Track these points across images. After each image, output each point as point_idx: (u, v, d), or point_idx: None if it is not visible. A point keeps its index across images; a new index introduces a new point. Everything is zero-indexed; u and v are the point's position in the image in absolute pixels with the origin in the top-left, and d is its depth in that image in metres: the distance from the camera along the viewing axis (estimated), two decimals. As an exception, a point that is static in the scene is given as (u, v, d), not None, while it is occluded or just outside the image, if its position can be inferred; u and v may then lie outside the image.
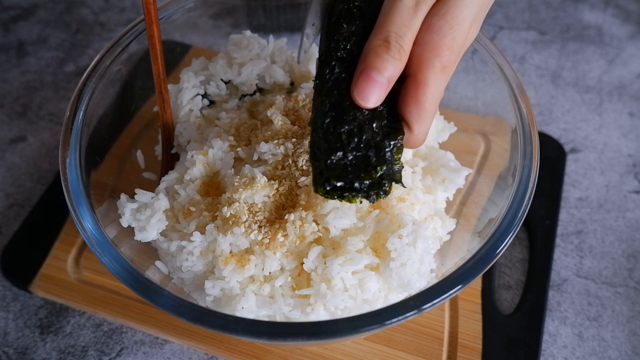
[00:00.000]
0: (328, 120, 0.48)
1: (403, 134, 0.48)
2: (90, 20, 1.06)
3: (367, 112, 0.48)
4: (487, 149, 0.77)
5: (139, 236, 0.57)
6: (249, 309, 0.54)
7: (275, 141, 0.60)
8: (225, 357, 0.67)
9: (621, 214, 0.79)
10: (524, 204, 0.54)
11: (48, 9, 1.08)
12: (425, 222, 0.60)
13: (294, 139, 0.61)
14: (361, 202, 0.47)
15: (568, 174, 0.83)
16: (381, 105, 0.48)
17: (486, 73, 0.65)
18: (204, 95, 0.69)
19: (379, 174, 0.47)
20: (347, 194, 0.47)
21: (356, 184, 0.47)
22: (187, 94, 0.68)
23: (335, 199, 0.47)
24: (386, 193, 0.47)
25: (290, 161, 0.59)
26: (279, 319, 0.55)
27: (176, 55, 0.82)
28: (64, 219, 0.77)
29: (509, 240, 0.53)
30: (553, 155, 0.83)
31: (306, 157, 0.58)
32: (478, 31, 0.50)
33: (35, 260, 0.74)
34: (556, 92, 0.94)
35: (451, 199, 0.65)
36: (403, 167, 0.49)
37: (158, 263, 0.59)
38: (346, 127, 0.47)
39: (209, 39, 0.91)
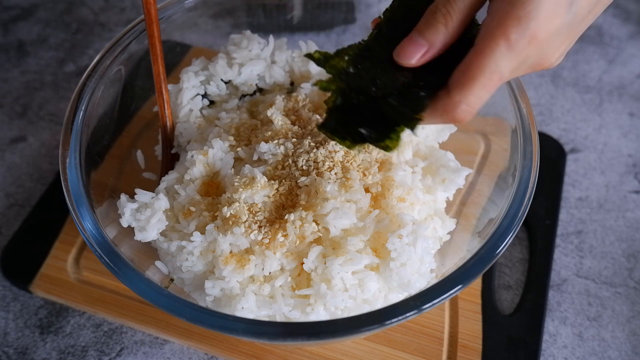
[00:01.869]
0: (365, 55, 0.49)
1: (424, 107, 0.47)
2: (90, 20, 1.06)
3: (404, 73, 0.48)
4: (487, 149, 0.77)
5: (139, 236, 0.57)
6: (249, 309, 0.54)
7: (275, 141, 0.60)
8: (225, 357, 0.67)
9: (621, 214, 0.79)
10: (524, 204, 0.54)
11: (48, 9, 1.08)
12: (425, 222, 0.60)
13: (294, 139, 0.61)
14: (361, 141, 0.48)
15: (568, 174, 0.83)
16: (420, 75, 0.48)
17: (486, 73, 0.65)
18: (204, 95, 0.69)
19: (391, 108, 0.47)
20: (351, 124, 0.48)
21: (363, 116, 0.48)
22: (187, 94, 0.68)
23: (338, 129, 0.49)
24: (395, 134, 0.48)
25: (290, 161, 0.59)
26: (279, 319, 0.55)
27: (176, 55, 0.82)
28: (64, 219, 0.77)
29: (509, 240, 0.53)
30: (553, 155, 0.83)
31: (306, 157, 0.58)
32: (571, 23, 0.45)
33: (35, 260, 0.74)
34: (556, 92, 0.94)
35: (451, 199, 0.65)
36: (420, 120, 0.48)
37: (158, 263, 0.60)
38: (377, 70, 0.48)
39: (209, 39, 0.91)
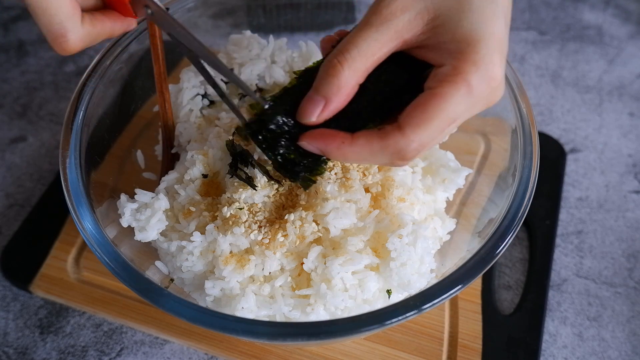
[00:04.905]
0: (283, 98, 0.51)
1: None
2: (90, 20, 1.06)
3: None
4: (487, 149, 0.77)
5: (139, 236, 0.57)
6: (249, 309, 0.54)
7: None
8: (225, 357, 0.67)
9: (621, 214, 0.79)
10: (524, 204, 0.54)
11: (48, 9, 1.08)
12: (425, 222, 0.60)
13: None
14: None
15: (568, 174, 0.83)
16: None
17: (486, 73, 0.65)
18: (204, 95, 0.69)
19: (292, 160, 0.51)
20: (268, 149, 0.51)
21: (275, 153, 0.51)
22: (187, 94, 0.68)
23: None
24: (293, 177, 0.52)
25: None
26: (279, 319, 0.55)
27: (176, 55, 0.82)
28: (64, 219, 0.77)
29: (509, 240, 0.53)
30: (553, 155, 0.83)
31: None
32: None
33: (35, 260, 0.74)
34: (556, 92, 0.94)
35: (451, 199, 0.65)
36: (313, 181, 0.53)
37: (158, 263, 0.59)
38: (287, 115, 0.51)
39: (209, 39, 0.91)
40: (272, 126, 0.50)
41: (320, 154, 0.49)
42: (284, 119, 0.50)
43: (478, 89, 0.44)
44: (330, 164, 0.58)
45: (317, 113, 0.47)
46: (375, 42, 0.45)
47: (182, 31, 0.51)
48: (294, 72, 0.51)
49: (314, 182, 0.53)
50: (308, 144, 0.49)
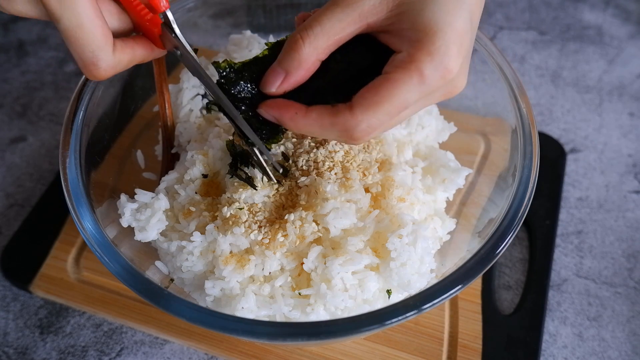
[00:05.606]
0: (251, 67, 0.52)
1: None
2: (90, 20, 1.06)
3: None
4: (487, 149, 0.77)
5: (139, 236, 0.57)
6: (249, 309, 0.54)
7: (276, 141, 0.60)
8: (225, 357, 0.67)
9: (621, 214, 0.79)
10: (524, 204, 0.54)
11: (48, 9, 1.08)
12: (425, 222, 0.60)
13: (294, 139, 0.61)
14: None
15: (568, 174, 0.83)
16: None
17: (486, 73, 0.65)
18: (204, 95, 0.69)
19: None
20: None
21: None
22: (187, 94, 0.68)
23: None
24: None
25: (290, 161, 0.59)
26: (279, 319, 0.55)
27: (176, 56, 0.82)
28: (64, 219, 0.77)
29: (509, 240, 0.53)
30: (553, 155, 0.83)
31: (307, 157, 0.58)
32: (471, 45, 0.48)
33: (35, 260, 0.74)
34: (556, 92, 0.94)
35: (451, 199, 0.65)
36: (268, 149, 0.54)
37: (158, 263, 0.60)
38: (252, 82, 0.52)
39: (209, 39, 0.91)
40: (233, 91, 0.51)
41: (276, 123, 0.51)
42: (247, 85, 0.51)
43: (430, 79, 0.45)
44: (329, 164, 0.58)
45: (277, 84, 0.49)
46: (339, 22, 0.47)
47: (205, 77, 0.51)
48: (266, 44, 0.52)
49: (269, 149, 0.54)
50: (265, 111, 0.51)
